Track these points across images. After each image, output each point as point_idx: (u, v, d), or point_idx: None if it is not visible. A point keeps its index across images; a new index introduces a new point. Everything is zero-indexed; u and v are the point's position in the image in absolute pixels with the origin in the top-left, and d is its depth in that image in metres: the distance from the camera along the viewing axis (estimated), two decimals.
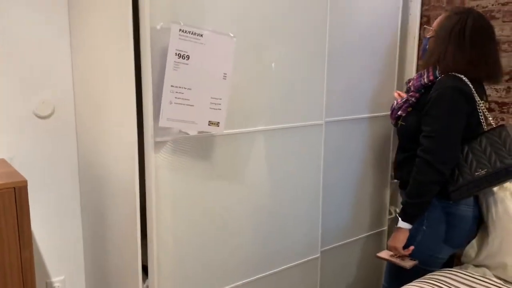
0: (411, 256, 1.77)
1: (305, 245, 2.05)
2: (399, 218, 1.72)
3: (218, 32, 1.51)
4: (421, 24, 2.51)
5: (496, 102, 2.27)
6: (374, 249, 2.38)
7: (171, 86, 1.43)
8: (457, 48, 1.66)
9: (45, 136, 1.83)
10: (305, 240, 2.04)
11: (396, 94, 2.02)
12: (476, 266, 1.85)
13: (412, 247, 1.74)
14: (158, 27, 1.42)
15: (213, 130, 1.55)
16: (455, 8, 1.89)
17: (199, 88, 1.48)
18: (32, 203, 1.63)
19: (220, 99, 1.52)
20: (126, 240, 1.60)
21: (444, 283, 1.68)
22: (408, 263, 1.75)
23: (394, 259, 1.79)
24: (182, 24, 1.42)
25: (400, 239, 1.73)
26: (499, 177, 1.64)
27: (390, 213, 2.49)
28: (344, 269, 2.31)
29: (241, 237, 1.80)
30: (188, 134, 1.55)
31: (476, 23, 1.68)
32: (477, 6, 2.28)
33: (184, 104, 1.46)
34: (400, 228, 1.72)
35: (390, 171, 2.41)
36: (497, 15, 2.23)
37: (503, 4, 2.21)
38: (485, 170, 1.62)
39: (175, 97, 1.44)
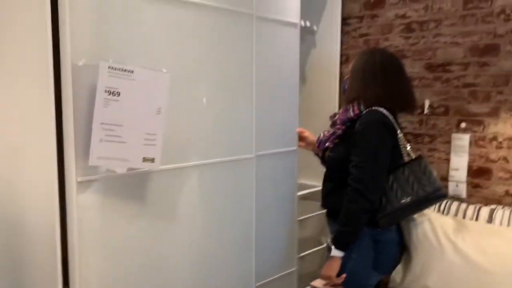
0: (343, 285, 1.81)
1: (240, 280, 2.02)
2: (332, 247, 1.76)
3: (150, 68, 1.50)
4: (341, 63, 2.68)
5: (412, 134, 2.45)
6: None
7: (101, 123, 1.38)
8: (372, 82, 1.78)
9: None
10: (239, 276, 2.01)
11: (299, 130, 2.21)
12: None
13: (344, 275, 1.77)
14: (80, 63, 1.38)
15: (147, 166, 1.51)
16: (366, 49, 2.06)
17: (131, 125, 1.45)
18: None
19: (155, 134, 1.49)
20: None
21: None
22: None
23: None
24: (111, 61, 1.40)
25: (333, 268, 1.76)
26: (421, 204, 1.76)
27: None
28: None
29: (176, 279, 1.74)
30: (115, 172, 1.49)
31: (385, 59, 1.82)
32: (390, 45, 2.49)
33: (115, 142, 1.41)
34: (333, 256, 1.76)
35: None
36: (408, 54, 2.44)
37: (412, 45, 2.43)
38: (410, 197, 1.73)
39: (106, 135, 1.39)
